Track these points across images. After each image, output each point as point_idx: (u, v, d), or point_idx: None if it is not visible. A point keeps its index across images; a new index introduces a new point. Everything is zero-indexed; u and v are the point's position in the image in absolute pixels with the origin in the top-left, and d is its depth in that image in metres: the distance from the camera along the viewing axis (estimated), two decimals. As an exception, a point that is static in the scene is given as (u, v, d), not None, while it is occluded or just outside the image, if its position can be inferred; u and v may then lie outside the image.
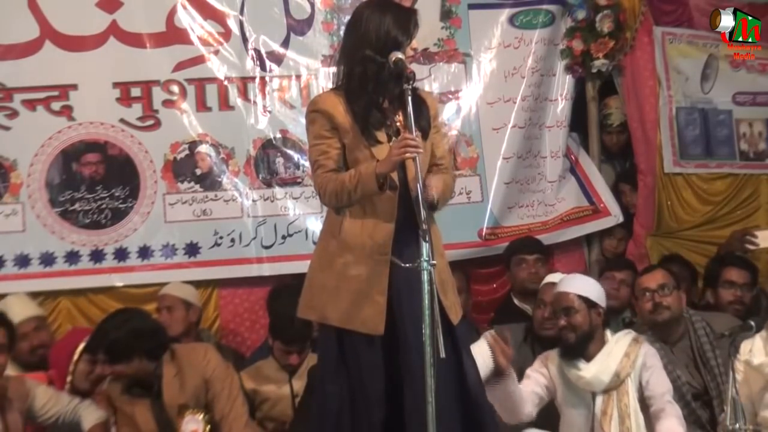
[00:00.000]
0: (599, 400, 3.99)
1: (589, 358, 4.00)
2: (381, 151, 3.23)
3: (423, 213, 3.02)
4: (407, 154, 3.04)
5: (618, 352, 4.00)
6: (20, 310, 4.53)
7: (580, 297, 4.03)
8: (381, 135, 3.26)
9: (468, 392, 3.27)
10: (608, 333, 4.09)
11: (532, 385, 4.05)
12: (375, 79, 3.22)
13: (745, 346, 4.02)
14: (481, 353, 4.37)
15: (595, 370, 3.97)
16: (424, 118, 3.30)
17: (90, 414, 3.94)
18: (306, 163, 4.98)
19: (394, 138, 3.26)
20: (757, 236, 5.25)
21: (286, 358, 4.45)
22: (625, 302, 4.90)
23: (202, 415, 4.08)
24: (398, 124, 3.28)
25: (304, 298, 3.35)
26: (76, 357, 4.17)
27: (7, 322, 3.95)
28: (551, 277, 4.50)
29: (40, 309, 4.68)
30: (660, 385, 3.98)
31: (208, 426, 4.08)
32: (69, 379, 4.16)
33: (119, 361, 4.02)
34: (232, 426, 4.12)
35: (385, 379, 3.23)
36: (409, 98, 3.10)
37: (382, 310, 3.19)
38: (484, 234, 5.37)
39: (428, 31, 5.39)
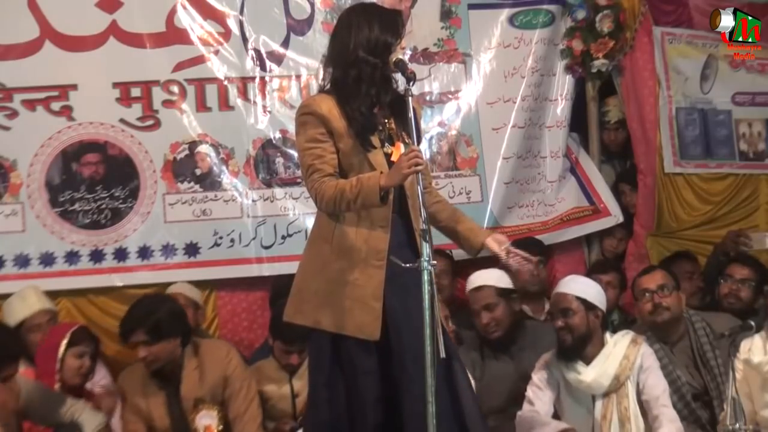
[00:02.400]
0: (599, 403, 3.99)
1: (587, 361, 4.00)
2: (375, 156, 3.23)
3: (423, 213, 3.03)
4: (418, 167, 3.03)
5: (617, 355, 4.00)
6: (34, 302, 4.56)
7: (578, 299, 4.03)
8: (375, 140, 3.25)
9: (458, 396, 3.26)
10: (607, 335, 4.09)
11: (547, 406, 4.06)
12: (370, 81, 3.22)
13: (744, 345, 4.03)
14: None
15: (595, 373, 3.97)
16: (418, 129, 3.29)
17: (91, 419, 3.93)
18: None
19: (387, 143, 3.26)
20: (751, 238, 5.25)
21: (287, 357, 4.45)
22: (612, 305, 4.90)
23: (216, 411, 4.09)
24: (390, 130, 3.28)
25: (293, 303, 3.33)
26: (61, 353, 4.13)
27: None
28: (475, 281, 4.47)
29: (52, 303, 4.68)
30: (656, 387, 3.98)
31: (222, 423, 4.09)
32: (57, 377, 4.12)
33: (160, 340, 4.07)
34: (246, 426, 4.15)
35: (382, 384, 3.22)
36: (410, 100, 3.10)
37: (378, 316, 3.18)
38: (484, 234, 5.36)
39: (428, 31, 5.41)
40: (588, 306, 4.02)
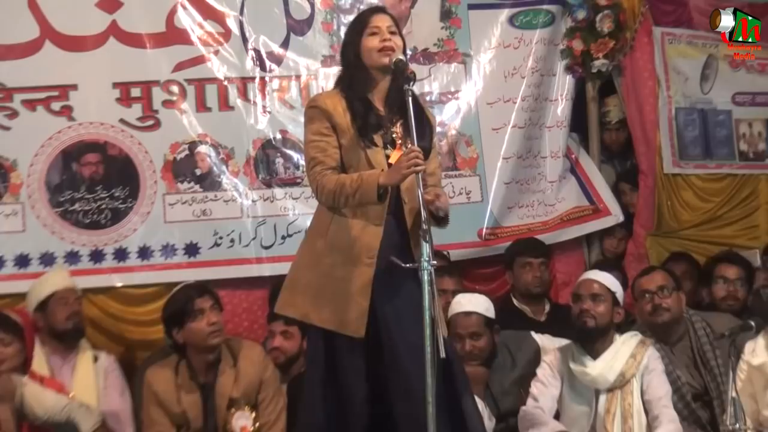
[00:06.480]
0: (603, 398, 4.03)
1: (595, 356, 4.04)
2: (375, 154, 3.25)
3: (424, 214, 3.04)
4: (417, 168, 3.05)
5: (624, 353, 4.04)
6: (62, 280, 4.59)
7: (609, 291, 4.12)
8: (377, 138, 3.27)
9: (455, 396, 3.27)
10: (616, 335, 4.14)
11: (550, 403, 4.08)
12: (359, 81, 3.30)
13: (748, 347, 4.05)
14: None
15: (601, 368, 4.01)
16: (428, 138, 3.31)
17: (87, 419, 3.93)
18: (306, 164, 4.97)
19: (388, 146, 3.27)
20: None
21: (281, 339, 4.44)
22: None
23: (252, 413, 4.08)
24: (395, 133, 3.30)
25: (284, 295, 3.36)
26: None
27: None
28: (464, 305, 4.32)
29: (80, 290, 4.69)
30: (659, 388, 4.01)
31: (257, 424, 4.08)
32: None
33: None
34: None
35: (370, 385, 3.23)
36: (410, 99, 3.12)
37: (363, 313, 3.19)
38: (484, 234, 5.36)
39: (428, 31, 5.42)
40: (615, 301, 4.11)
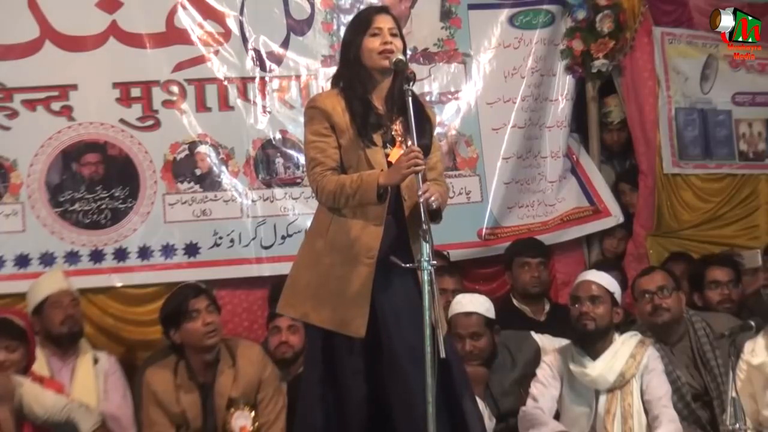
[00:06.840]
0: (603, 398, 4.02)
1: (595, 356, 4.04)
2: (375, 153, 3.25)
3: (424, 214, 3.03)
4: (417, 168, 3.05)
5: (624, 353, 4.04)
6: (61, 280, 4.57)
7: (608, 292, 4.10)
8: (377, 138, 3.27)
9: (455, 396, 3.27)
10: (615, 334, 4.13)
11: (550, 403, 4.08)
12: (358, 80, 3.29)
13: (748, 346, 4.05)
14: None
15: (601, 368, 4.01)
16: (428, 135, 3.31)
17: (87, 419, 3.93)
18: (306, 164, 4.98)
19: (388, 145, 3.27)
20: (744, 256, 5.24)
21: (287, 335, 4.44)
22: None
23: (252, 413, 4.09)
24: (395, 131, 3.30)
25: (285, 295, 3.36)
26: None
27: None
28: (465, 305, 4.30)
29: (76, 291, 4.67)
30: (658, 388, 4.01)
31: (257, 423, 4.08)
32: None
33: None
34: None
35: (369, 385, 3.23)
36: (410, 99, 3.12)
37: (363, 313, 3.19)
38: (483, 234, 5.37)
39: (428, 31, 5.42)
40: (613, 301, 4.10)
